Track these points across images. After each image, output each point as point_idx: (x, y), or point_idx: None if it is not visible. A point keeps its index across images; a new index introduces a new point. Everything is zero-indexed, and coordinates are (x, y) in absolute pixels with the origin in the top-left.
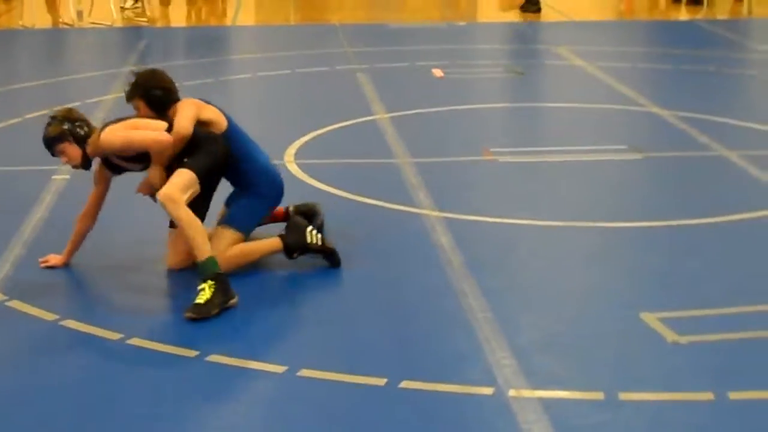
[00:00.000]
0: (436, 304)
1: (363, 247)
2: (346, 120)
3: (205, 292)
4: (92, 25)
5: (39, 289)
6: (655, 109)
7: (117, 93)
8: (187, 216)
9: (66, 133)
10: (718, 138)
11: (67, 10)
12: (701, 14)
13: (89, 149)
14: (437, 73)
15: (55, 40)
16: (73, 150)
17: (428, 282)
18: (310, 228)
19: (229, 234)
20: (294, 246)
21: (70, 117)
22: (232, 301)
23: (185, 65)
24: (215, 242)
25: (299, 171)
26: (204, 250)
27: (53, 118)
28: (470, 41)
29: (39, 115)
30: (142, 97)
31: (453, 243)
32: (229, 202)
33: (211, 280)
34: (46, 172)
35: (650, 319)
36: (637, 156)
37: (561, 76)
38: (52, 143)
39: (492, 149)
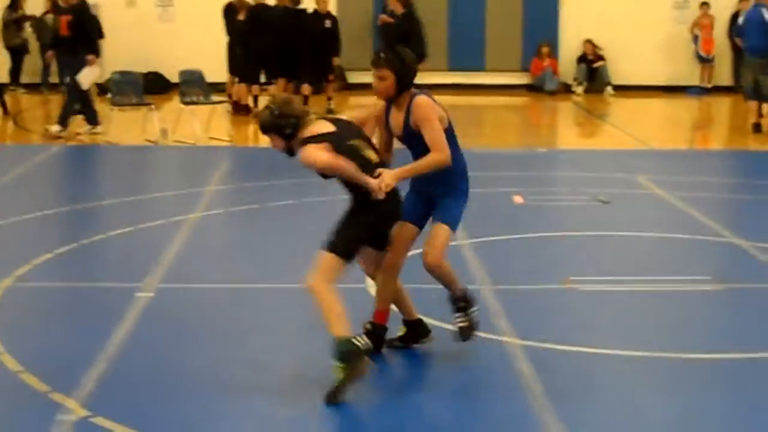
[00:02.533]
0: None
1: (444, 373)
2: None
3: (338, 375)
4: (176, 143)
5: (123, 407)
6: (737, 240)
7: (200, 212)
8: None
9: (272, 125)
10: None
11: (152, 127)
12: None
13: (294, 143)
14: (518, 199)
15: (140, 158)
16: (277, 141)
17: (509, 411)
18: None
19: (445, 231)
20: (472, 302)
21: (282, 111)
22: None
23: (268, 186)
24: (433, 240)
25: None
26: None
27: (268, 107)
28: (550, 168)
29: (122, 232)
30: (395, 72)
31: (533, 371)
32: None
33: (343, 361)
34: (129, 290)
35: None
36: (720, 287)
37: (641, 206)
38: (262, 130)
39: (572, 277)
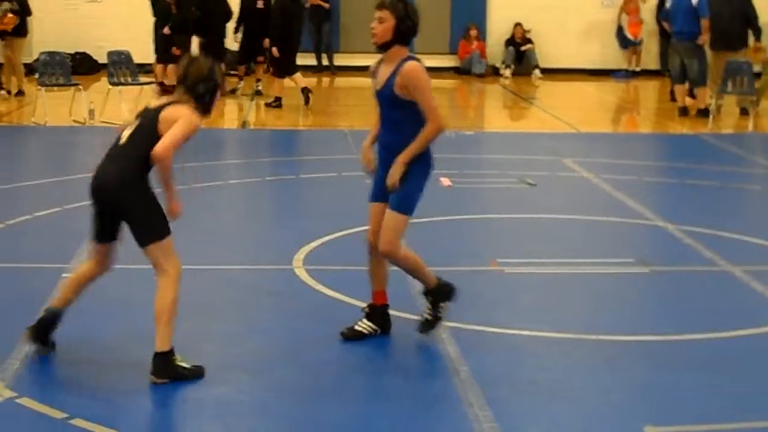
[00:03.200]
0: (442, 414)
1: (370, 356)
2: (354, 227)
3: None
4: (104, 124)
5: (50, 386)
6: (662, 223)
7: None
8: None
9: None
10: (722, 253)
11: (79, 108)
12: (707, 128)
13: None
14: (445, 182)
15: (67, 138)
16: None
17: (434, 392)
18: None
19: (395, 219)
20: (442, 297)
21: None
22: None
23: (194, 167)
24: (384, 229)
25: (308, 277)
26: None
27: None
28: (478, 150)
29: (49, 213)
30: (395, 17)
31: (459, 353)
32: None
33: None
34: (56, 270)
35: None
36: (644, 270)
37: (568, 189)
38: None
39: (499, 260)
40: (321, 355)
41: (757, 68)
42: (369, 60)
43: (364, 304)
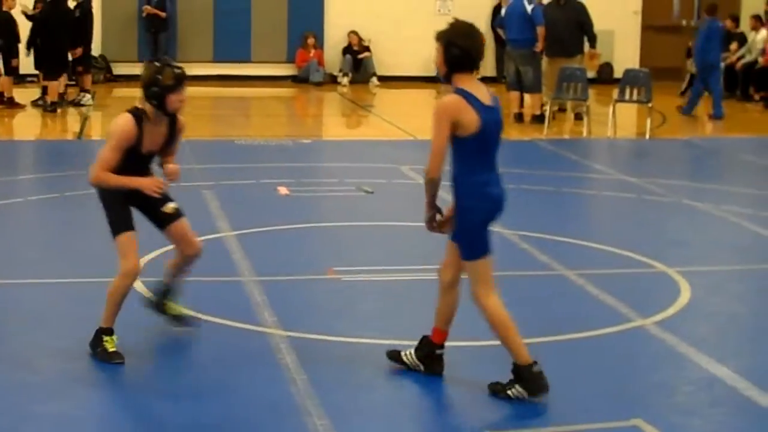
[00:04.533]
0: (281, 423)
1: (208, 366)
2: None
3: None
4: None
5: None
6: (498, 228)
7: None
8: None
9: None
10: (558, 257)
11: None
12: (542, 134)
13: None
14: (282, 191)
15: None
16: None
17: (274, 402)
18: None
19: (469, 267)
20: (526, 385)
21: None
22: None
23: (30, 179)
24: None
25: (145, 289)
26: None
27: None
28: (316, 159)
29: None
30: (443, 45)
31: (297, 362)
32: None
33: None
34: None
35: None
36: None
37: (405, 196)
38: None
39: (335, 267)
40: (159, 363)
41: (591, 74)
42: (207, 69)
43: (200, 315)
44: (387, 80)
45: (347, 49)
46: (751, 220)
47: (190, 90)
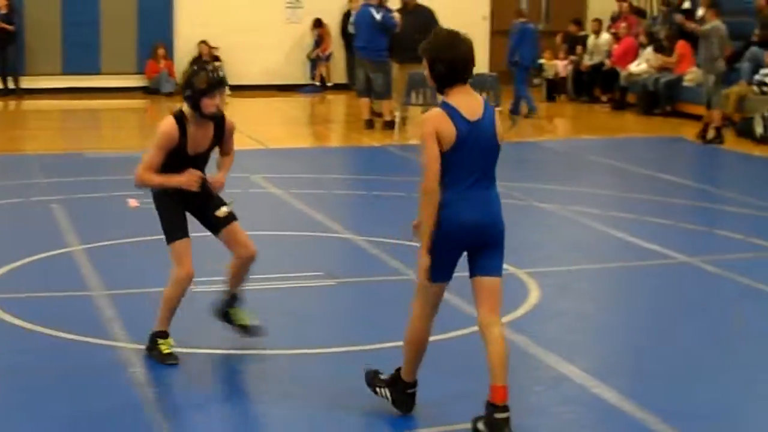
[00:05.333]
0: None
1: (58, 382)
2: (40, 252)
3: None
4: None
5: None
6: (350, 235)
7: None
8: None
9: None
10: (407, 261)
11: None
12: (393, 140)
13: None
14: (133, 203)
15: None
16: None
17: (122, 415)
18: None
19: (419, 287)
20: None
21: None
22: None
23: None
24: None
25: None
26: None
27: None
28: None
29: None
30: (428, 61)
31: (148, 375)
32: None
33: None
34: None
35: None
36: (333, 282)
37: (257, 204)
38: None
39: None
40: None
41: None
42: (56, 82)
43: (50, 331)
44: (238, 89)
45: (197, 59)
46: (597, 220)
47: (39, 103)
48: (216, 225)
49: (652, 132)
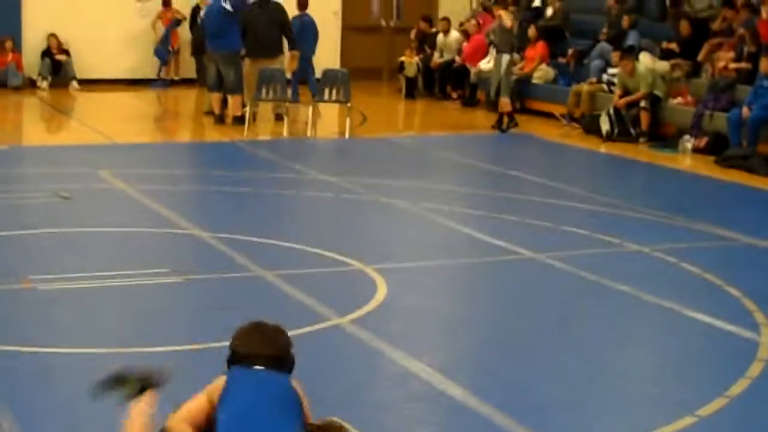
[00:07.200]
0: None
1: None
2: None
3: None
4: None
5: None
6: (196, 231)
7: None
8: None
9: None
10: (255, 258)
11: None
12: (242, 135)
13: None
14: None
15: None
16: None
17: None
18: None
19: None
20: None
21: None
22: None
23: None
24: None
25: None
26: None
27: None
28: (13, 165)
29: None
30: None
31: None
32: None
33: None
34: None
35: None
36: (179, 279)
37: (103, 200)
38: None
39: (31, 277)
40: None
41: (288, 75)
42: None
43: None
44: (88, 83)
45: (46, 53)
46: (445, 216)
47: None
48: None
49: None
